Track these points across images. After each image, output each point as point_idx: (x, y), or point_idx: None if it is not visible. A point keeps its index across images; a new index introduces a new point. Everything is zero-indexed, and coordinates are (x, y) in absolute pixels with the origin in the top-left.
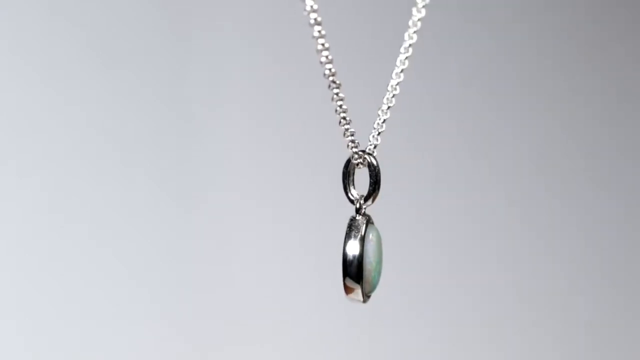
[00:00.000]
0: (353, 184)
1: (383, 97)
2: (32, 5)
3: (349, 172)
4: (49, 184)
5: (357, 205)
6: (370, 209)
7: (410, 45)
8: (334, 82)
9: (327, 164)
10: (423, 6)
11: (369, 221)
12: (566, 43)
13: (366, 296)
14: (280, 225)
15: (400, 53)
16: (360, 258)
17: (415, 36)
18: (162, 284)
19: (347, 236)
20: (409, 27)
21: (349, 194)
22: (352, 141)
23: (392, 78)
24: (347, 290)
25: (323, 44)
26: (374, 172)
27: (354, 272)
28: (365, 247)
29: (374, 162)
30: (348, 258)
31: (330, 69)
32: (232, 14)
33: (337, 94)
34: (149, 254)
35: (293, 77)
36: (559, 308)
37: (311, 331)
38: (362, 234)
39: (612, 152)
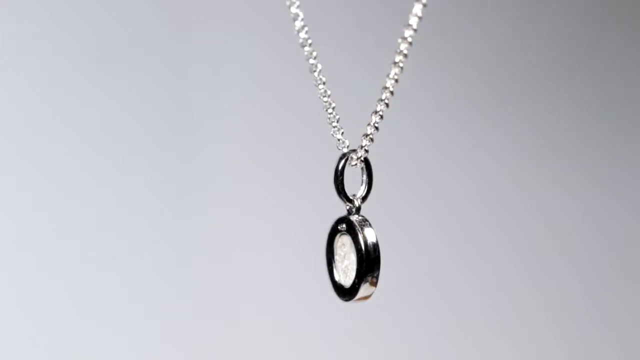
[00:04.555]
0: None
1: (377, 98)
2: (32, 6)
3: (343, 172)
4: (49, 184)
5: (357, 205)
6: (364, 207)
7: (408, 44)
8: (321, 79)
9: (327, 164)
10: (424, 4)
11: None
12: (566, 42)
13: None
14: (280, 225)
15: (396, 54)
16: (379, 254)
17: (413, 34)
18: (162, 283)
19: (361, 234)
20: (407, 27)
21: (348, 194)
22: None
23: (387, 79)
24: (366, 287)
25: (306, 39)
26: (370, 171)
27: (377, 267)
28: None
29: (369, 160)
30: (371, 256)
31: (315, 65)
32: (232, 14)
33: (324, 90)
34: (148, 254)
35: (293, 77)
36: (560, 308)
37: (311, 330)
38: (374, 231)
39: (615, 152)
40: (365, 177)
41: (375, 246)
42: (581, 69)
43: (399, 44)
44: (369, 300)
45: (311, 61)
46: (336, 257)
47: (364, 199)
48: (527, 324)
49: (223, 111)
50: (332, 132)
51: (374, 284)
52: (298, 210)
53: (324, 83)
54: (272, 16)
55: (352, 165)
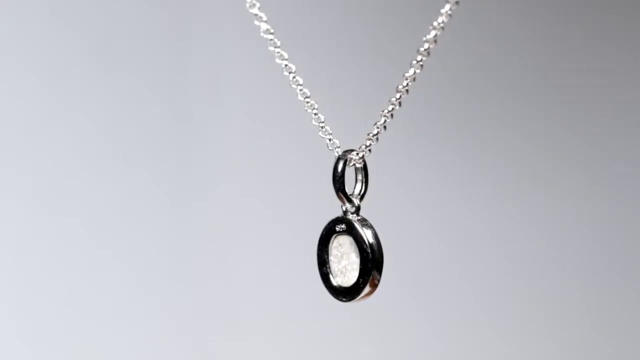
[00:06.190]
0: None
1: (389, 98)
2: (32, 6)
3: (343, 173)
4: (48, 183)
5: (357, 204)
6: (365, 206)
7: (434, 44)
8: (297, 80)
9: (327, 164)
10: (456, 3)
11: None
12: (563, 43)
13: None
14: (280, 225)
15: (418, 54)
16: (382, 253)
17: (437, 35)
18: (162, 283)
19: (364, 234)
20: (431, 29)
21: (347, 194)
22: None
23: (404, 79)
24: (369, 287)
25: (273, 40)
26: (366, 170)
27: (381, 266)
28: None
29: (366, 160)
30: (376, 255)
31: (288, 65)
32: (232, 14)
33: (303, 92)
34: (148, 254)
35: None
36: (560, 308)
37: (311, 330)
38: (374, 229)
39: (615, 152)
40: (361, 176)
41: (379, 245)
42: (580, 70)
43: (422, 43)
44: (368, 300)
45: (284, 62)
46: (331, 258)
47: (361, 198)
48: (527, 324)
49: (223, 111)
50: (320, 134)
51: (377, 283)
52: (298, 210)
53: (300, 84)
54: (272, 15)
55: (351, 166)
